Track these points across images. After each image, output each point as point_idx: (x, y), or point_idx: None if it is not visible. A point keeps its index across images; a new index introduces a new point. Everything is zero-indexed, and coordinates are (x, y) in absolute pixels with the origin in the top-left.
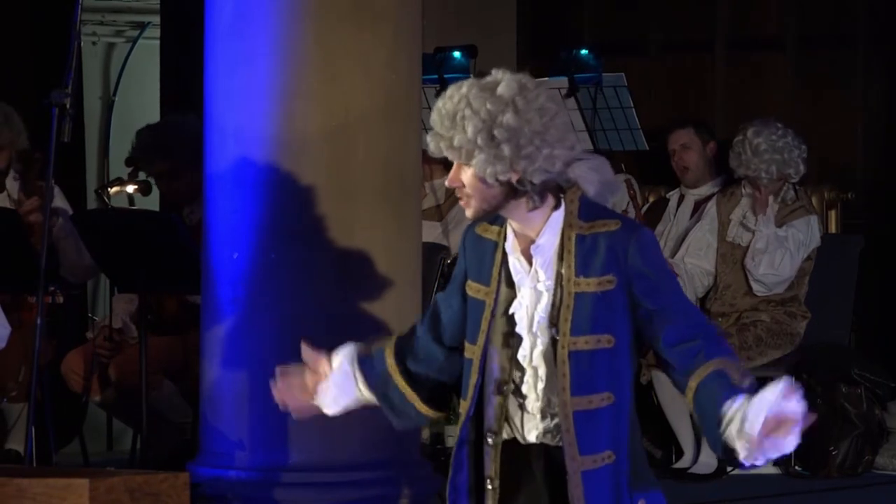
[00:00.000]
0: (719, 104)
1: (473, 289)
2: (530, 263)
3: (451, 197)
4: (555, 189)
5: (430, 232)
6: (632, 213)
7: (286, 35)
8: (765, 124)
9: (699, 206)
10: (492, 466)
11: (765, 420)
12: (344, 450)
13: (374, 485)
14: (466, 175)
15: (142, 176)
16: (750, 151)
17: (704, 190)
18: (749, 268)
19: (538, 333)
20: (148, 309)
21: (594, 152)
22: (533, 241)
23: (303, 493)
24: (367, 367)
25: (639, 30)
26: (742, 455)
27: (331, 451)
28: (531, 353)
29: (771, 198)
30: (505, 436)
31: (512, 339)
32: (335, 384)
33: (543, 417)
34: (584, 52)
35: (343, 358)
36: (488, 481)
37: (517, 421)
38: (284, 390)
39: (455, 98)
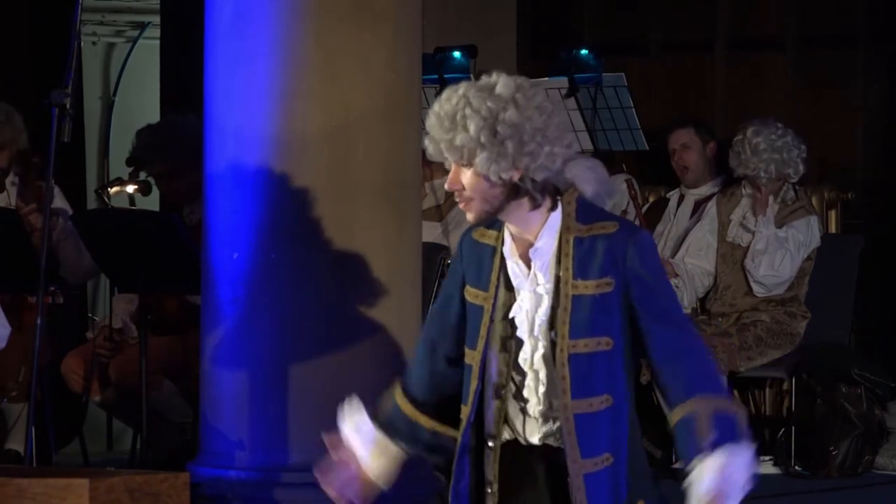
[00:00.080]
0: (719, 104)
1: (472, 294)
2: (529, 267)
3: (452, 197)
4: (552, 191)
5: (430, 232)
6: (632, 213)
7: (286, 35)
8: (764, 124)
9: (699, 205)
10: (491, 470)
11: (706, 496)
12: None
13: None
14: (466, 176)
15: (142, 176)
16: (749, 151)
17: (704, 190)
18: (749, 269)
19: (539, 337)
20: (148, 309)
21: (594, 152)
22: (531, 245)
23: (303, 493)
24: (387, 424)
25: (639, 30)
26: None
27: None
28: (532, 356)
29: (771, 198)
30: (507, 436)
31: (510, 343)
32: (365, 449)
33: (545, 421)
34: (584, 52)
35: (359, 423)
36: (488, 486)
37: (519, 425)
38: (338, 488)
39: (453, 99)
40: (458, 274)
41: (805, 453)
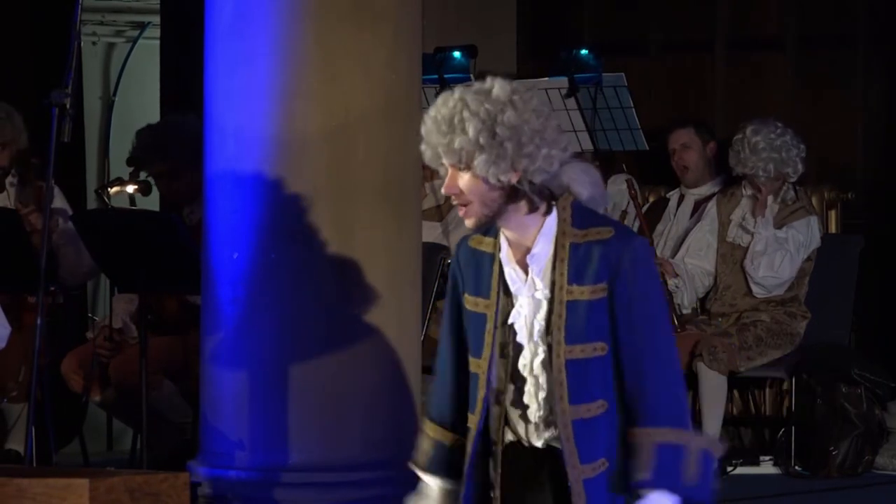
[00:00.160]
0: (719, 104)
1: (472, 302)
2: (526, 272)
3: None
4: (548, 195)
5: (430, 232)
6: (632, 213)
7: (286, 35)
8: (764, 123)
9: (699, 205)
10: (495, 475)
11: None
12: (344, 450)
13: (374, 485)
14: (464, 180)
15: (142, 176)
16: (748, 150)
17: (704, 190)
18: (748, 271)
19: (539, 342)
20: (148, 309)
21: (594, 152)
22: (528, 250)
23: (303, 493)
24: (438, 467)
25: (639, 30)
26: None
27: (331, 451)
28: (531, 362)
29: (770, 198)
30: (511, 438)
31: (508, 349)
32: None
33: (547, 426)
34: (584, 52)
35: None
36: (491, 491)
37: (521, 430)
38: None
39: (450, 103)
40: (458, 281)
41: (805, 453)
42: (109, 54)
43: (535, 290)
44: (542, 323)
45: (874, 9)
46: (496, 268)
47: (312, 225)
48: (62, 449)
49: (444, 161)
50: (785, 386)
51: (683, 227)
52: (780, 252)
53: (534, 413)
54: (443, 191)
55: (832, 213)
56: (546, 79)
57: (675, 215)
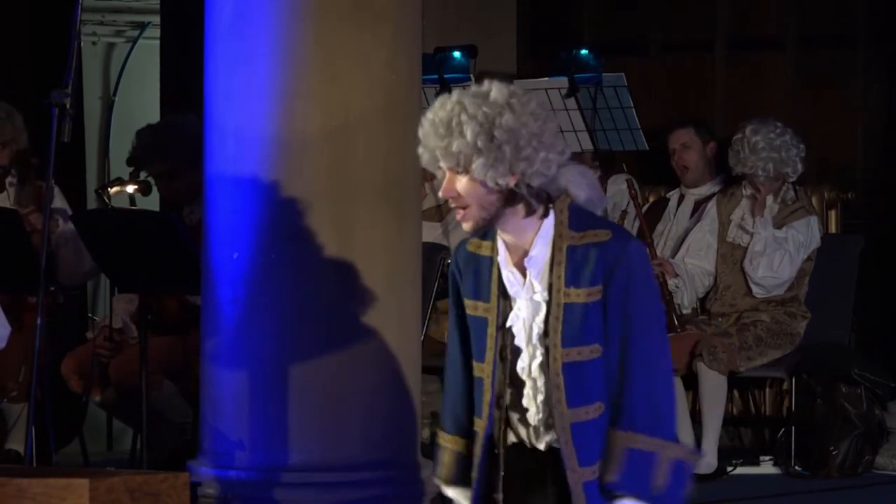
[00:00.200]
0: (719, 104)
1: (472, 307)
2: (524, 275)
3: None
4: (545, 198)
5: (430, 232)
6: (632, 213)
7: (286, 35)
8: (763, 123)
9: (699, 205)
10: (497, 478)
11: None
12: (344, 450)
13: (374, 485)
14: (461, 183)
15: (142, 176)
16: (748, 149)
17: (704, 190)
18: (748, 271)
19: (537, 344)
20: (148, 309)
21: (594, 152)
22: (526, 252)
23: (303, 493)
24: (460, 478)
25: (639, 30)
26: None
27: (331, 451)
28: (529, 365)
29: (770, 198)
30: (514, 439)
31: (506, 352)
32: None
33: (548, 429)
34: (584, 52)
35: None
36: (494, 493)
37: (523, 433)
38: None
39: (448, 106)
40: (459, 285)
41: (805, 453)
42: (109, 54)
43: (534, 292)
44: (541, 325)
45: (874, 9)
46: (495, 271)
47: (312, 225)
48: (62, 449)
49: (442, 164)
50: (785, 386)
51: (683, 227)
52: (780, 252)
53: (533, 416)
54: (440, 194)
55: (832, 213)
56: (546, 79)
57: (675, 215)
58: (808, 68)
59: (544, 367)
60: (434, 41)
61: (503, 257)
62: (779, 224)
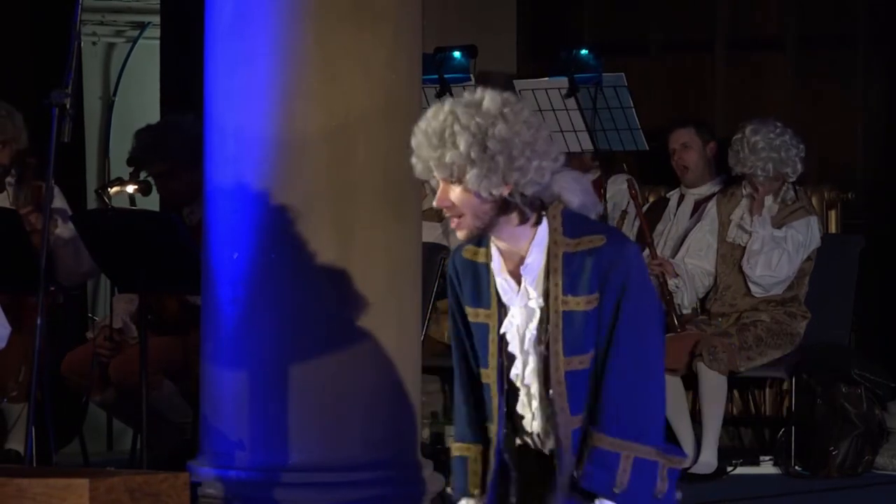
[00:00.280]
0: (719, 104)
1: (473, 314)
2: (518, 282)
3: None
4: (539, 205)
5: (430, 232)
6: (632, 213)
7: (286, 35)
8: (763, 123)
9: (699, 205)
10: (509, 482)
11: None
12: (344, 450)
13: (374, 485)
14: (455, 193)
15: (142, 176)
16: (747, 149)
17: (704, 189)
18: (746, 270)
19: (530, 351)
20: (148, 309)
21: (594, 152)
22: (521, 259)
23: (303, 493)
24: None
25: (639, 30)
26: None
27: (331, 451)
28: (523, 371)
29: (770, 197)
30: (520, 441)
31: (502, 358)
32: None
33: (546, 435)
34: (584, 52)
35: None
36: (511, 497)
37: (527, 438)
38: None
39: (440, 116)
40: (457, 292)
41: (805, 453)
42: (109, 54)
43: (528, 299)
44: (534, 332)
45: (874, 9)
46: (492, 277)
47: (312, 225)
48: (62, 449)
49: (436, 174)
50: (785, 386)
51: (683, 227)
52: (778, 251)
53: (529, 423)
54: (434, 204)
55: (832, 213)
56: (546, 79)
57: (675, 215)
58: (808, 68)
59: (539, 374)
60: (434, 41)
61: (497, 264)
62: (778, 224)
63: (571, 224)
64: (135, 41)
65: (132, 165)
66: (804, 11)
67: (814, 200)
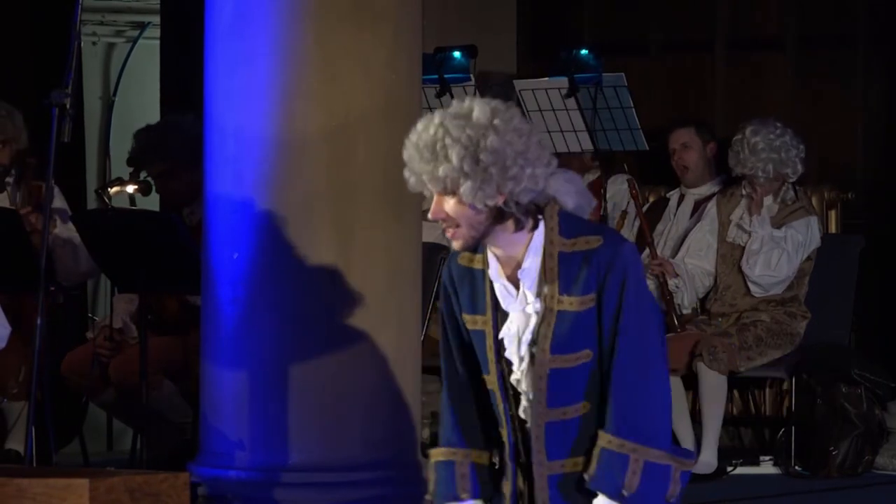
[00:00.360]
0: (719, 104)
1: (471, 321)
2: (517, 287)
3: None
4: (535, 211)
5: (430, 232)
6: (633, 213)
7: (286, 35)
8: (763, 123)
9: (699, 205)
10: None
11: None
12: (344, 450)
13: (374, 485)
14: (450, 205)
15: (142, 176)
16: (748, 150)
17: (704, 190)
18: (745, 270)
19: (524, 355)
20: (148, 309)
21: (594, 152)
22: (518, 264)
23: (303, 493)
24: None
25: (639, 30)
26: None
27: (331, 451)
28: (522, 376)
29: (770, 197)
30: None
31: (502, 364)
32: None
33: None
34: (584, 52)
35: None
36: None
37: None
38: None
39: (430, 129)
40: (453, 300)
41: (805, 453)
42: (109, 54)
43: (527, 303)
44: (530, 336)
45: (874, 9)
46: (487, 283)
47: (312, 225)
48: (62, 449)
49: (429, 187)
50: (785, 386)
51: (683, 227)
52: (777, 251)
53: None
54: (429, 216)
55: (832, 213)
56: (546, 79)
57: (675, 215)
58: (808, 68)
59: (529, 371)
60: (434, 41)
61: (495, 270)
62: (778, 224)
63: (567, 224)
64: (135, 41)
65: (132, 165)
66: (804, 11)
67: (814, 200)
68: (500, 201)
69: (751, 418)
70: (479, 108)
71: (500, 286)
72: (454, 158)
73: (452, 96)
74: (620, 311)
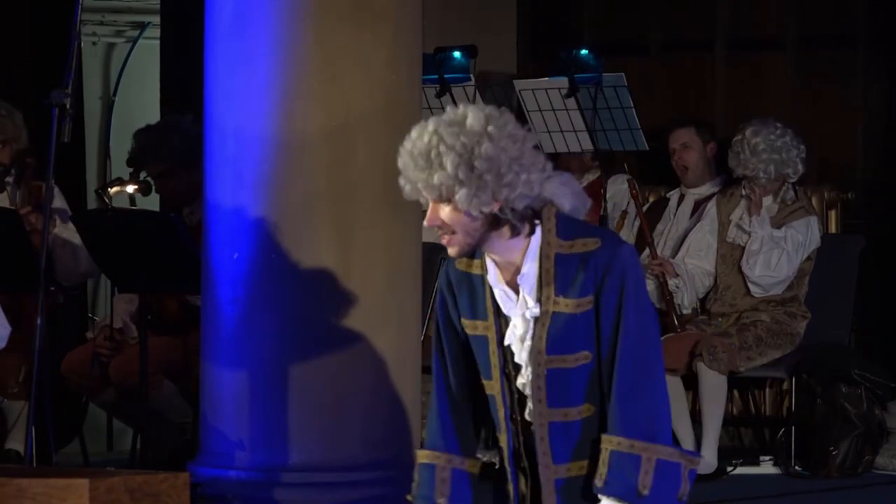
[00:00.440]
0: (719, 104)
1: (470, 326)
2: (517, 292)
3: None
4: (531, 216)
5: (431, 232)
6: (633, 213)
7: (286, 35)
8: (763, 124)
9: (699, 205)
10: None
11: None
12: (344, 450)
13: (374, 485)
14: (445, 213)
15: (142, 176)
16: (748, 151)
17: (704, 189)
18: (745, 270)
19: (527, 359)
20: (148, 309)
21: (594, 152)
22: (517, 269)
23: (303, 493)
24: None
25: (639, 30)
26: None
27: (331, 451)
28: (528, 380)
29: (770, 197)
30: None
31: (508, 368)
32: None
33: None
34: (584, 52)
35: None
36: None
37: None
38: None
39: (424, 137)
40: (450, 305)
41: (805, 453)
42: (109, 54)
43: (527, 308)
44: (531, 341)
45: (874, 9)
46: (487, 289)
47: (312, 225)
48: (62, 449)
49: (425, 195)
50: (785, 386)
51: (683, 227)
52: (777, 251)
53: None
54: (425, 224)
55: (832, 213)
56: (546, 79)
57: (675, 215)
58: (808, 68)
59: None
60: (434, 41)
61: (493, 276)
62: (778, 224)
63: (565, 226)
64: (135, 41)
65: (132, 165)
66: (804, 11)
67: (814, 200)
68: (495, 208)
69: (751, 418)
70: (473, 115)
71: (500, 291)
72: (449, 166)
73: (452, 96)
74: (621, 313)
